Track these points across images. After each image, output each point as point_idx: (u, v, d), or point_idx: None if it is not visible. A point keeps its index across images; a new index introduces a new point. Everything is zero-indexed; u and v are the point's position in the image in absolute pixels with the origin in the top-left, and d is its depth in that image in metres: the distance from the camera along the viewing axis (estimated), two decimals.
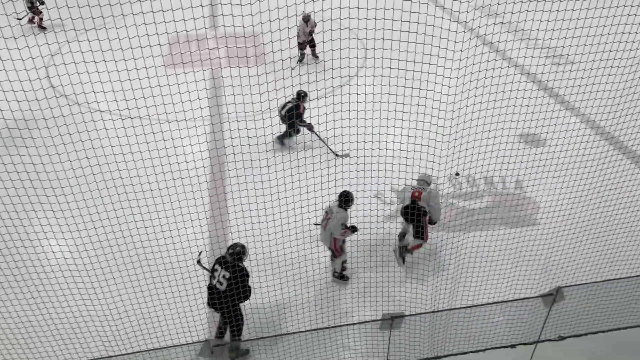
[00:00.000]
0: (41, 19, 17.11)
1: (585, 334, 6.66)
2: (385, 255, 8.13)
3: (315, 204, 7.35)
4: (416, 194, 7.77)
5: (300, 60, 14.87)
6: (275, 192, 7.37)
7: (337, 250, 7.67)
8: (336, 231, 7.41)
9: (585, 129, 11.03)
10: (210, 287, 6.48)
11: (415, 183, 7.98)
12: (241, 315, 6.59)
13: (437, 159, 7.61)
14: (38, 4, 16.88)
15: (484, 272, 7.63)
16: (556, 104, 11.59)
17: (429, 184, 7.95)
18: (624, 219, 8.59)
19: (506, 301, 6.18)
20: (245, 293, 6.38)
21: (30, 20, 17.15)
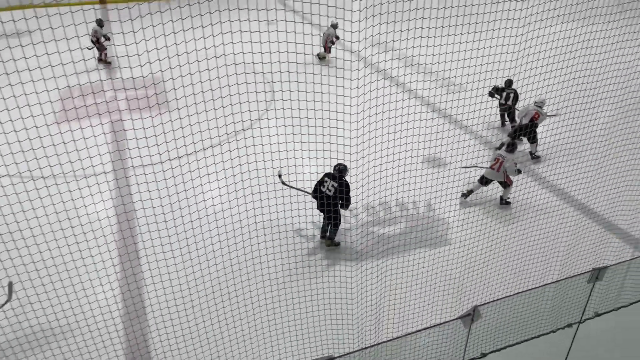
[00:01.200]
0: (106, 54, 17.21)
1: (505, 347, 6.91)
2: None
3: (229, 252, 7.22)
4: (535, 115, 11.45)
5: None
6: (186, 244, 7.21)
7: (509, 181, 9.91)
8: (510, 170, 9.73)
9: (485, 149, 11.61)
10: (317, 194, 8.62)
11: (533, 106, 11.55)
12: (340, 217, 8.77)
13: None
14: (104, 39, 16.84)
15: (406, 299, 7.77)
16: (454, 127, 12.10)
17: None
18: (527, 234, 9.11)
19: (428, 327, 6.30)
20: (348, 202, 8.63)
21: (99, 59, 17.12)
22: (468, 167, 10.30)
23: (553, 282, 7.16)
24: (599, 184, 9.20)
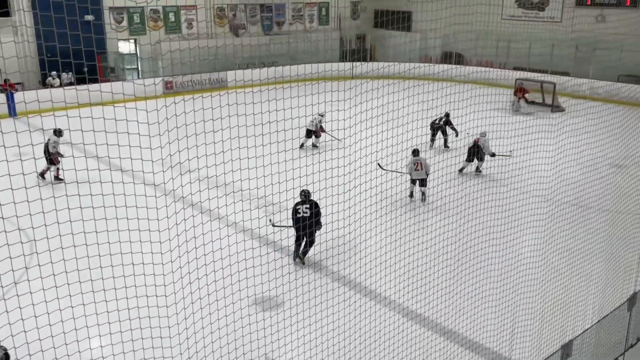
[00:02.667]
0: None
1: None
2: None
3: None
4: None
5: None
6: None
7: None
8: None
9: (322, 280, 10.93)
10: (298, 220, 10.14)
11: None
12: (315, 237, 10.36)
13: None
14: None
15: None
16: (281, 256, 11.39)
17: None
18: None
19: None
20: (319, 224, 10.45)
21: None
22: (386, 170, 12.03)
23: None
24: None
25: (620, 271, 9.63)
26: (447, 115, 17.80)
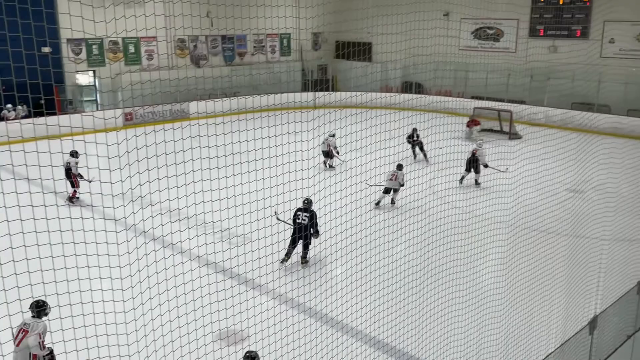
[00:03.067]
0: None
1: None
2: None
3: None
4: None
5: None
6: None
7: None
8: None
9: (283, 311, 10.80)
10: (295, 226, 11.18)
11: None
12: (311, 240, 11.32)
13: None
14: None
15: None
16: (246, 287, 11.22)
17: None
18: None
19: None
20: (317, 233, 11.34)
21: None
22: (372, 185, 12.58)
23: None
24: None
25: (581, 295, 9.81)
26: (415, 129, 19.32)
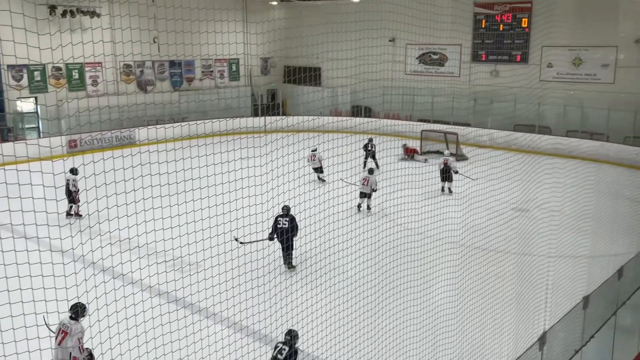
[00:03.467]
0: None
1: None
2: None
3: None
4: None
5: None
6: None
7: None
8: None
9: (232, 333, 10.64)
10: (277, 230, 11.83)
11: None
12: (293, 245, 12.04)
13: None
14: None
15: None
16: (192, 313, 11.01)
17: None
18: None
19: None
20: (296, 229, 11.82)
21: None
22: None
23: None
24: None
25: (531, 311, 10.08)
26: (371, 139, 21.07)
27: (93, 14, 24.69)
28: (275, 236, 12.11)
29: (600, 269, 10.91)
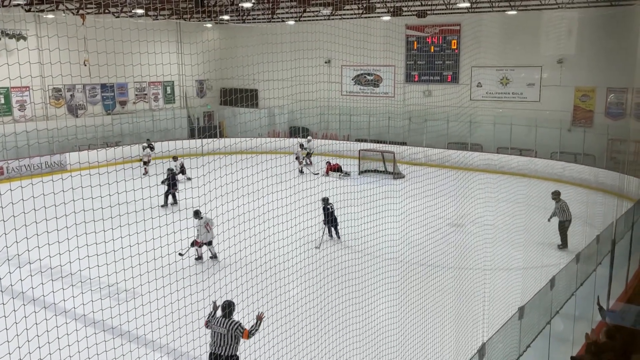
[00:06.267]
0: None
1: None
2: None
3: None
4: None
5: None
6: None
7: None
8: None
9: None
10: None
11: None
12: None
13: None
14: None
15: None
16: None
17: None
18: None
19: None
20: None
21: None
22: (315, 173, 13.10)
23: None
24: None
25: (469, 324, 10.33)
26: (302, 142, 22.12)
27: (19, 36, 23.79)
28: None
29: (534, 280, 11.31)
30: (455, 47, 27.50)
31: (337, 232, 16.07)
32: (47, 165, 23.93)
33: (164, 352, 9.41)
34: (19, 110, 25.56)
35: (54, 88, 26.60)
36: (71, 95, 27.66)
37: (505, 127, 25.27)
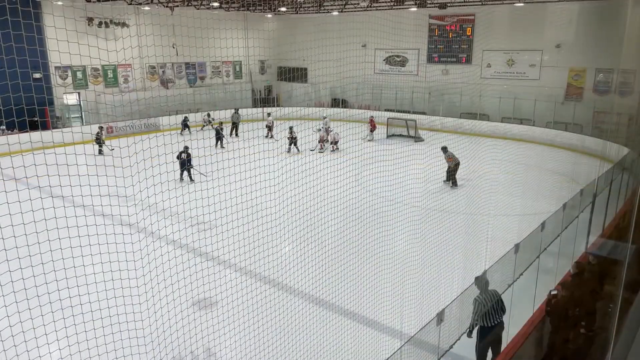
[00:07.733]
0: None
1: None
2: None
3: None
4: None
5: None
6: None
7: None
8: None
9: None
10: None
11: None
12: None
13: None
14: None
15: None
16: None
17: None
18: None
19: None
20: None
21: None
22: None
23: None
24: None
25: (475, 257, 10.19)
26: (291, 127, 19.51)
27: (123, 24, 23.99)
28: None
29: (528, 223, 11.04)
30: (469, 33, 26.27)
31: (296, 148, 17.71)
32: (145, 126, 24.41)
33: (233, 269, 9.62)
34: (124, 82, 25.97)
35: (149, 65, 26.84)
36: (163, 71, 27.86)
37: (509, 100, 24.33)
